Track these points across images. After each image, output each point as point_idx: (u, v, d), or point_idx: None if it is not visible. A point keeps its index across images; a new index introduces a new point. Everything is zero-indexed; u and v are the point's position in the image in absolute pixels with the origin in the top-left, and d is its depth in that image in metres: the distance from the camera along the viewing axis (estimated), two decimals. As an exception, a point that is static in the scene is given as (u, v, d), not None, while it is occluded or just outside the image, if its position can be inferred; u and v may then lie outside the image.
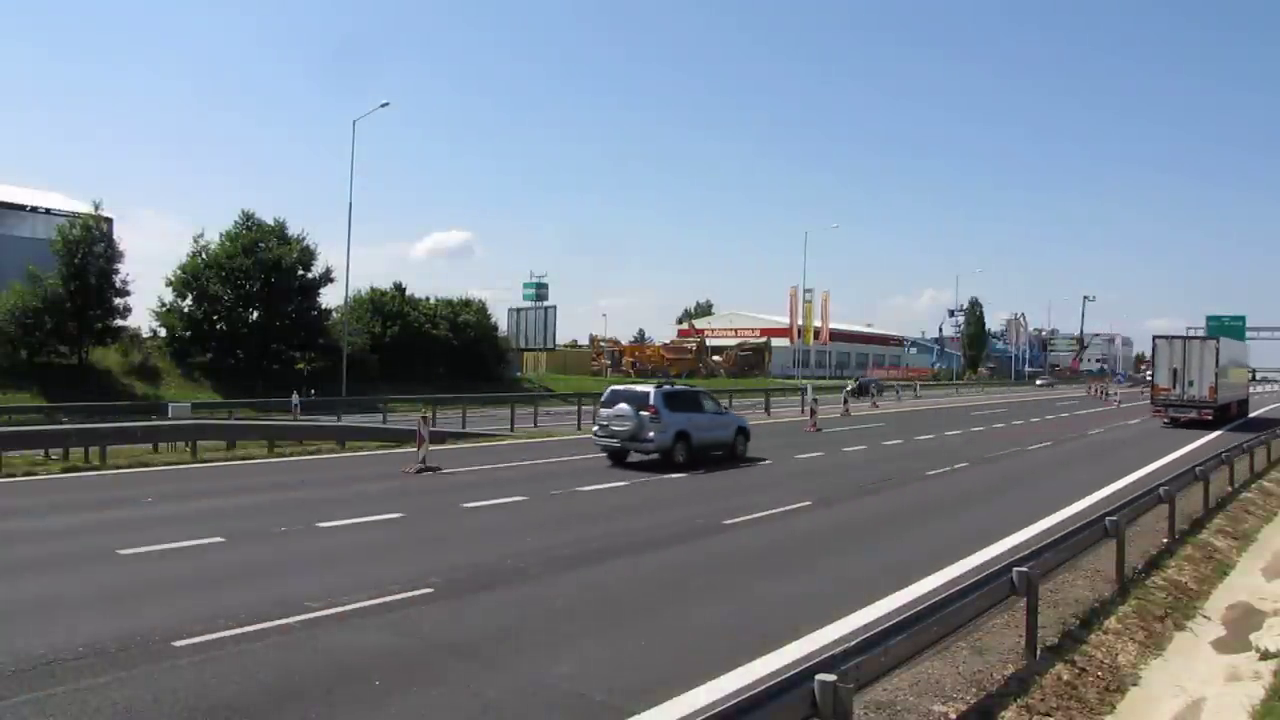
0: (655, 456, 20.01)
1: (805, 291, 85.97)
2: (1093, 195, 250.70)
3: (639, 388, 21.47)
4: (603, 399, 21.38)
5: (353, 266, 53.76)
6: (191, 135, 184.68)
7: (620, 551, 11.57)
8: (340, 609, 8.50)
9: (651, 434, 19.72)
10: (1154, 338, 39.04)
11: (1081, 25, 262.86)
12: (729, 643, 7.81)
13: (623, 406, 20.01)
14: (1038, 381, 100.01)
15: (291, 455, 21.98)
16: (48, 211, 44.77)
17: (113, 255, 39.86)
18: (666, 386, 22.09)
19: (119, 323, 40.89)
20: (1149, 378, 44.17)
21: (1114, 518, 10.22)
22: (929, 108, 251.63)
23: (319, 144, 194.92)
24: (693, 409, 21.19)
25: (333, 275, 46.80)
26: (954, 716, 6.53)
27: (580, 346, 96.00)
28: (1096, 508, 13.13)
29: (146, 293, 64.83)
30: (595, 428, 21.29)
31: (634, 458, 20.49)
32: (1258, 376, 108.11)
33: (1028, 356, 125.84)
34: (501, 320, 62.44)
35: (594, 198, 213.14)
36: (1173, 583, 11.04)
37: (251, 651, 7.31)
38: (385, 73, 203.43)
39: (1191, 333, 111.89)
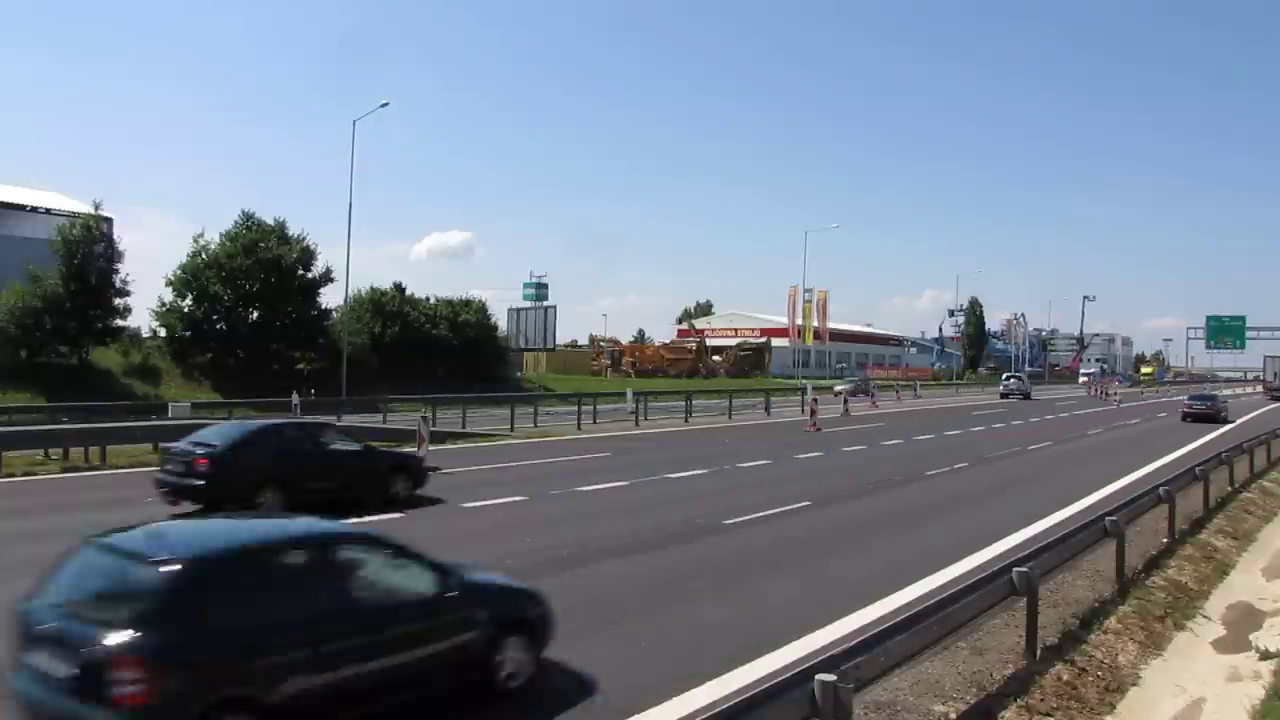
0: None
1: (805, 291, 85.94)
2: (1093, 195, 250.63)
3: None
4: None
5: (353, 266, 53.91)
6: (192, 135, 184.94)
7: (620, 551, 11.57)
8: (340, 609, 8.48)
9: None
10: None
11: (1081, 25, 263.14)
12: (729, 643, 7.82)
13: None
14: (1003, 388, 67.26)
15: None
16: (48, 211, 44.75)
17: (113, 255, 39.82)
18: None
19: (119, 323, 40.82)
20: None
21: (1114, 518, 10.22)
22: (929, 108, 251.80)
23: (319, 144, 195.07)
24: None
25: (333, 275, 46.78)
26: (954, 716, 6.53)
27: (580, 346, 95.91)
28: (1096, 508, 13.13)
29: (146, 293, 64.70)
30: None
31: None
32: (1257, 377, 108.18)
33: (1028, 356, 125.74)
34: (501, 320, 62.46)
35: (594, 198, 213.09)
36: (1173, 583, 11.04)
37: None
38: (385, 73, 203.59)
39: (1191, 333, 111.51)
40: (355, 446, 15.57)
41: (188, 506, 13.10)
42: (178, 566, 5.48)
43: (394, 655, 5.98)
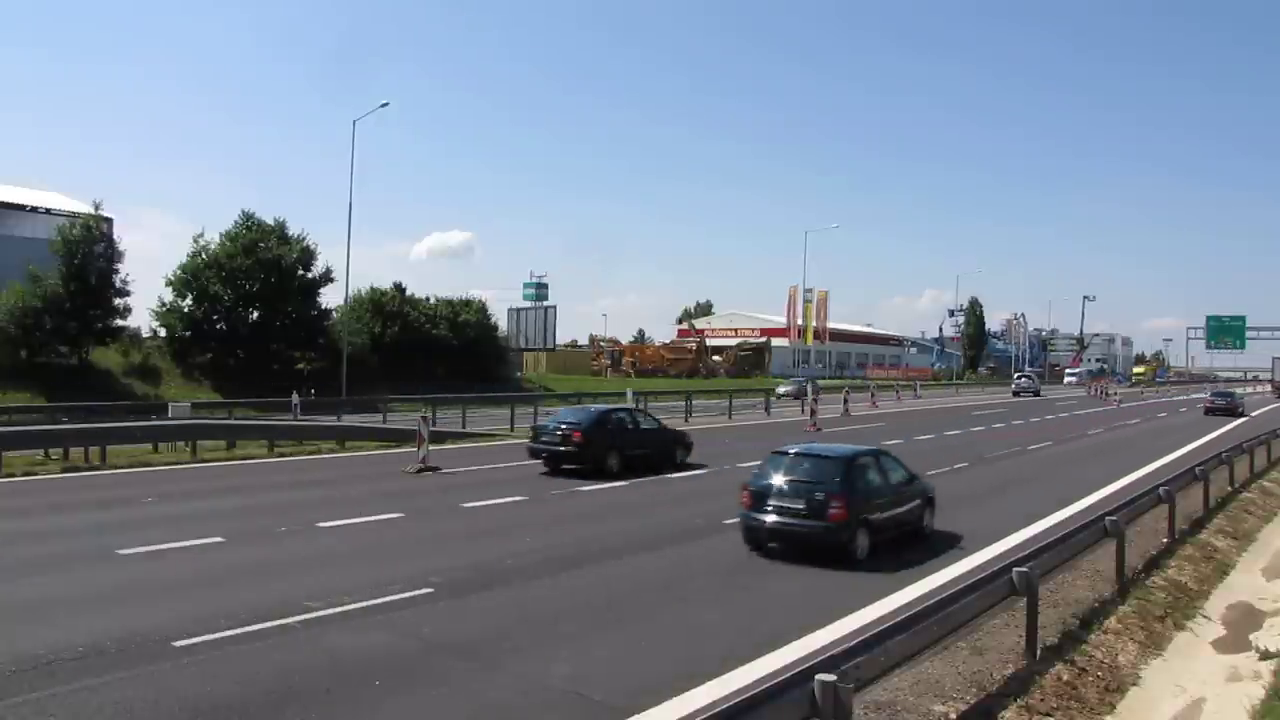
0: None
1: (805, 291, 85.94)
2: (1093, 195, 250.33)
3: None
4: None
5: (353, 266, 53.96)
6: (192, 135, 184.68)
7: (620, 551, 11.58)
8: (340, 609, 8.51)
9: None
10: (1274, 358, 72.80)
11: (1082, 25, 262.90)
12: (729, 643, 7.82)
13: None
14: (1015, 386, 71.58)
15: (291, 455, 21.99)
16: (48, 211, 44.73)
17: (113, 255, 39.80)
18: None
19: (119, 323, 40.79)
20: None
21: (1114, 518, 10.23)
22: (929, 108, 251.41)
23: (319, 144, 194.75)
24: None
25: (333, 275, 46.77)
26: (954, 716, 6.53)
27: (580, 346, 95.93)
28: (1096, 508, 13.12)
29: (146, 293, 64.77)
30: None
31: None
32: (1255, 377, 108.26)
33: (1028, 357, 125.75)
34: (501, 320, 62.46)
35: (594, 198, 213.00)
36: (1173, 583, 11.04)
37: (252, 651, 7.31)
38: (385, 73, 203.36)
39: (1191, 333, 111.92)
40: (655, 425, 21.57)
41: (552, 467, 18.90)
42: (845, 458, 12.10)
43: (901, 506, 12.37)
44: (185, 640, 7.45)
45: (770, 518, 11.30)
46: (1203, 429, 36.40)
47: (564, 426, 18.93)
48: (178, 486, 16.48)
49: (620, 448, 18.97)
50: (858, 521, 11.13)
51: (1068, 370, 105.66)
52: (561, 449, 18.67)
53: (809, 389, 49.35)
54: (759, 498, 11.52)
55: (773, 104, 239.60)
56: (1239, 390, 64.14)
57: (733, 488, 17.65)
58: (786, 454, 12.09)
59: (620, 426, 19.89)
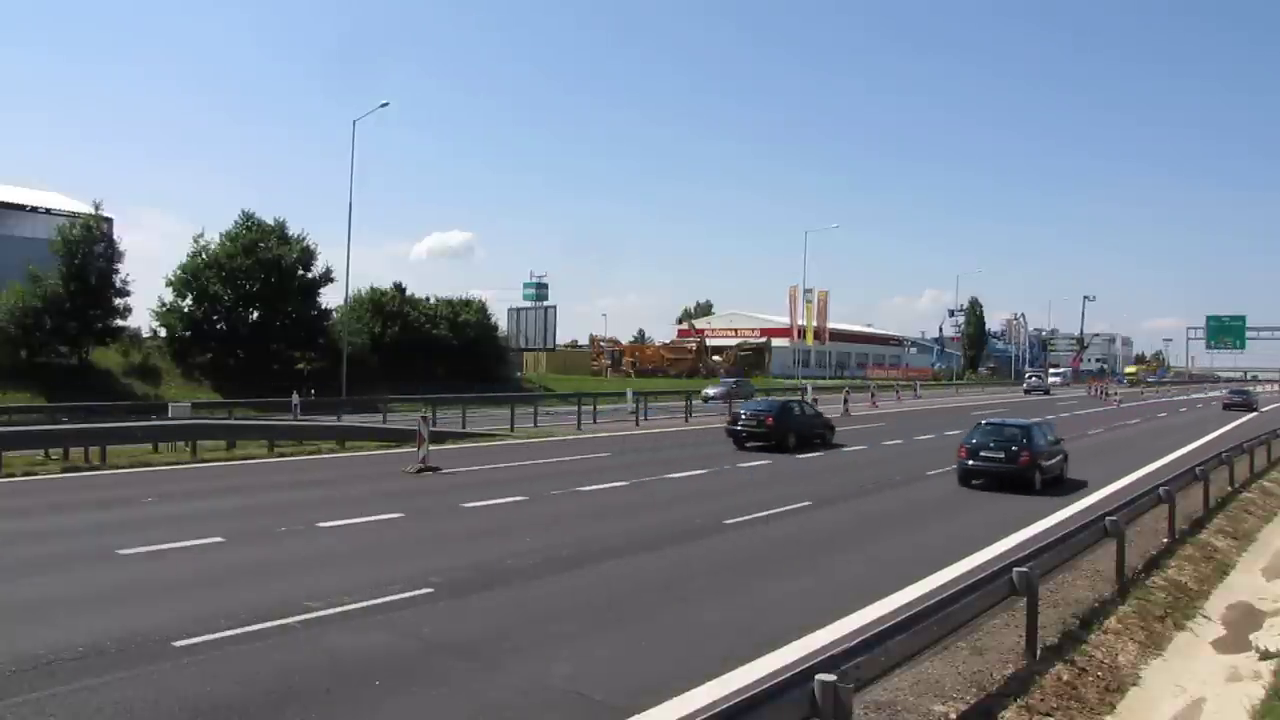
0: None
1: (805, 291, 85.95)
2: (1093, 195, 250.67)
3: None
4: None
5: (353, 266, 53.96)
6: (192, 135, 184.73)
7: (620, 551, 11.57)
8: (341, 609, 8.50)
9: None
10: None
11: (1082, 25, 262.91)
12: (729, 643, 7.81)
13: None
14: (1026, 385, 79.64)
15: (291, 455, 21.98)
16: (48, 211, 44.73)
17: (113, 255, 39.80)
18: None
19: (119, 323, 40.78)
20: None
21: (1114, 518, 10.23)
22: (929, 108, 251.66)
23: (319, 144, 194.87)
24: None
25: (333, 275, 46.77)
26: (954, 716, 6.53)
27: (580, 346, 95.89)
28: (1096, 508, 13.14)
29: (147, 293, 64.87)
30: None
31: None
32: (1254, 377, 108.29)
33: (1028, 357, 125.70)
34: (501, 320, 62.44)
35: (594, 198, 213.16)
36: (1173, 583, 11.04)
37: (251, 652, 7.31)
38: (385, 73, 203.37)
39: (1191, 333, 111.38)
40: (815, 413, 27.45)
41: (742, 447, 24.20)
42: (1027, 425, 18.90)
43: (1054, 458, 18.81)
44: (185, 640, 7.44)
45: (979, 464, 18.10)
46: (1203, 429, 36.40)
47: (759, 413, 25.35)
48: (178, 486, 16.48)
49: (795, 430, 25.15)
50: (1034, 465, 17.72)
51: (1052, 372, 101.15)
52: (758, 430, 24.57)
53: (809, 389, 49.34)
54: (971, 452, 18.34)
55: (773, 104, 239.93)
56: (1252, 389, 70.38)
57: (733, 488, 17.75)
58: (988, 424, 19.32)
59: (795, 413, 26.06)
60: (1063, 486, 18.17)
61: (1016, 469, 17.59)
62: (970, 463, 18.19)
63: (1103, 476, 19.53)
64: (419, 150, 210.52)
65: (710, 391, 50.30)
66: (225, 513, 13.75)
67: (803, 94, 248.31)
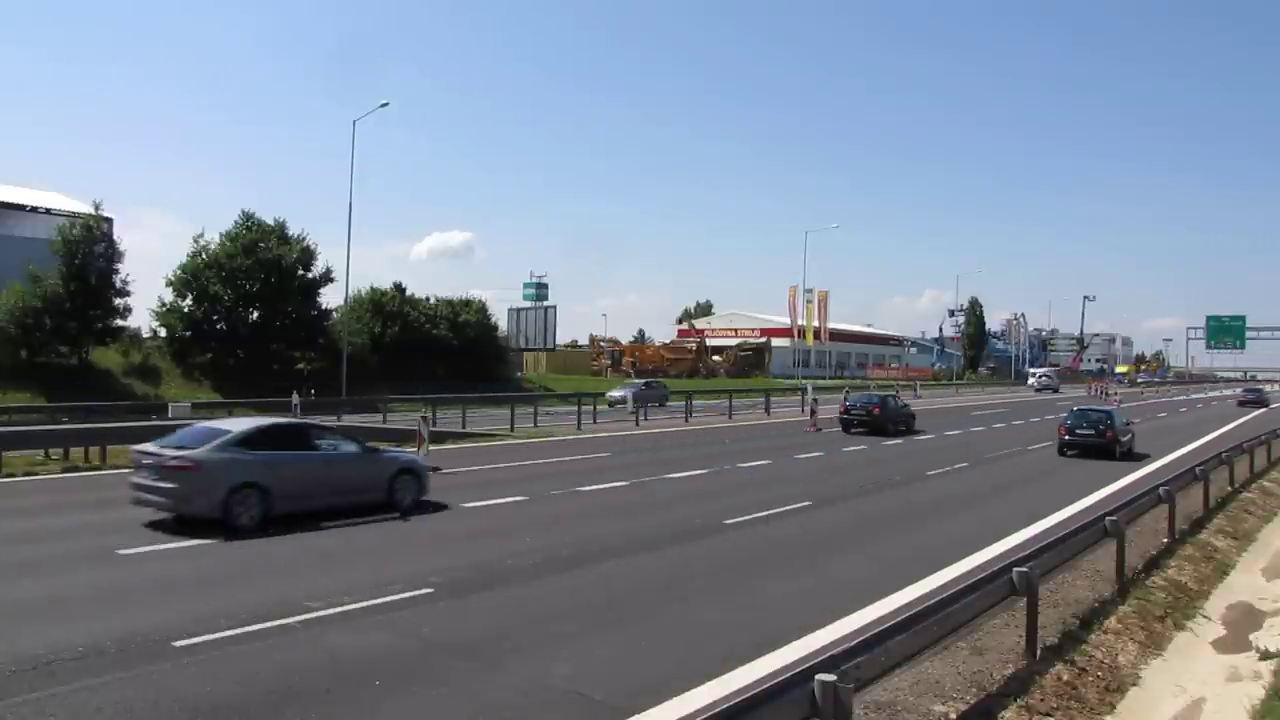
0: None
1: (805, 291, 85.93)
2: (1093, 195, 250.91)
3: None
4: None
5: (353, 266, 53.88)
6: (192, 135, 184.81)
7: (620, 551, 11.57)
8: (341, 609, 8.51)
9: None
10: None
11: (1082, 25, 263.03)
12: (729, 643, 7.81)
13: None
14: (1033, 380, 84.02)
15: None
16: (48, 211, 44.69)
17: (113, 255, 39.76)
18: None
19: (119, 323, 40.72)
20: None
21: (1114, 518, 10.22)
22: (929, 108, 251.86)
23: (319, 144, 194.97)
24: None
25: (333, 275, 46.71)
26: (954, 716, 6.53)
27: (580, 346, 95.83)
28: (1096, 508, 13.14)
29: (147, 293, 64.82)
30: None
31: None
32: (1253, 376, 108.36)
33: (1028, 357, 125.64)
34: (501, 320, 62.36)
35: (594, 198, 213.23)
36: (1173, 583, 11.04)
37: (251, 652, 7.31)
38: (385, 73, 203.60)
39: (1191, 333, 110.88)
40: (904, 404, 33.92)
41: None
42: (1109, 411, 26.55)
43: (1129, 434, 26.02)
44: (185, 640, 7.44)
45: (1075, 438, 24.51)
46: (1202, 429, 36.40)
47: (868, 404, 31.97)
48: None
49: (893, 420, 30.85)
50: (1115, 440, 24.09)
51: (1033, 371, 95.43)
52: (865, 418, 30.98)
53: (809, 389, 48.62)
54: (1069, 430, 24.79)
55: (773, 104, 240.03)
56: (1267, 387, 76.58)
57: (733, 488, 17.74)
58: (1079, 410, 26.13)
59: (892, 405, 31.99)
60: (1131, 456, 24.75)
61: (1104, 442, 24.22)
62: (1068, 438, 24.81)
63: (1104, 475, 19.55)
64: (419, 150, 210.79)
65: (615, 394, 42.89)
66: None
67: (803, 94, 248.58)
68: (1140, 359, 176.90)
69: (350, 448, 13.97)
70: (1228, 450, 19.20)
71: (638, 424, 33.38)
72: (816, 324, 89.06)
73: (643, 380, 51.84)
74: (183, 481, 11.92)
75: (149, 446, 12.82)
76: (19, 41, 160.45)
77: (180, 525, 12.15)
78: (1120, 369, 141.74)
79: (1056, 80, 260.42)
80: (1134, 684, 7.73)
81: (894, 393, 40.24)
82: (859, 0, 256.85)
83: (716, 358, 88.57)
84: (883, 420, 30.54)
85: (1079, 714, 6.85)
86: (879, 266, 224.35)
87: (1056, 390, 76.29)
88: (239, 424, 13.47)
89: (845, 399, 37.57)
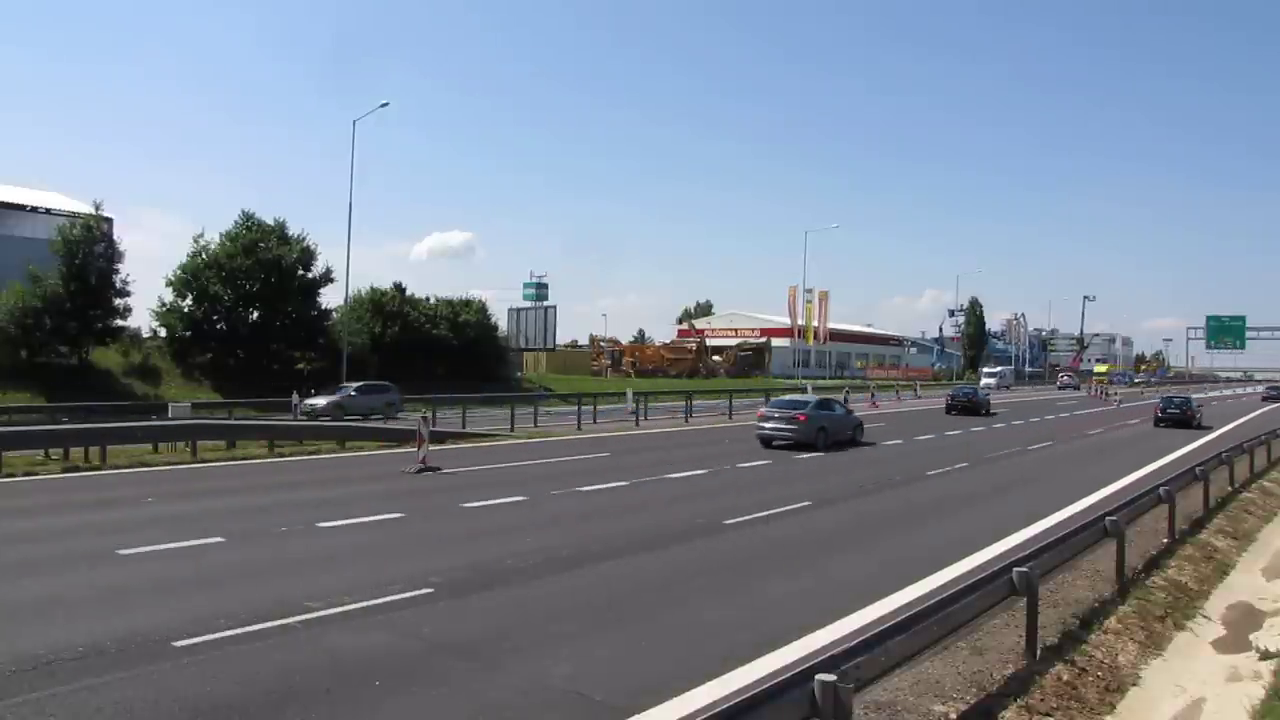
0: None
1: (805, 291, 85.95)
2: (1093, 195, 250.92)
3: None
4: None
5: (353, 266, 53.82)
6: (192, 135, 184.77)
7: (620, 551, 11.57)
8: (341, 609, 8.50)
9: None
10: None
11: (1082, 25, 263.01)
12: (729, 643, 7.81)
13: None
14: (1059, 383, 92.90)
15: (291, 455, 21.98)
16: (48, 211, 44.71)
17: (113, 255, 39.80)
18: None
19: (119, 323, 40.77)
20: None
21: (1114, 518, 10.22)
22: (929, 108, 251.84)
23: (319, 144, 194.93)
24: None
25: (333, 275, 46.75)
26: (954, 716, 6.53)
27: (580, 346, 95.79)
28: (1097, 508, 13.13)
29: (147, 293, 64.88)
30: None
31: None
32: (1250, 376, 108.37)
33: (1028, 356, 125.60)
34: (502, 320, 62.38)
35: (594, 198, 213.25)
36: (1173, 583, 11.04)
37: (251, 652, 7.31)
38: (385, 73, 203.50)
39: (1191, 333, 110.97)
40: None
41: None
42: (1186, 397, 43.62)
43: (1199, 412, 40.52)
44: (185, 640, 7.44)
45: (1165, 415, 38.60)
46: (1204, 429, 36.43)
47: (972, 391, 38.61)
48: (178, 486, 16.48)
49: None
50: (1195, 415, 38.62)
51: (985, 371, 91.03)
52: (969, 404, 41.49)
53: (809, 389, 47.96)
54: (1162, 409, 39.16)
55: (773, 104, 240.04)
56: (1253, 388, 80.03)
57: (733, 488, 17.75)
58: (1166, 397, 40.89)
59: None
60: (1201, 427, 37.20)
61: (1184, 417, 38.12)
62: (1161, 415, 38.58)
63: (1104, 475, 19.56)
64: (419, 150, 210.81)
65: (316, 402, 34.42)
66: (225, 513, 13.74)
67: (803, 94, 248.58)
68: (1140, 359, 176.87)
69: (839, 410, 27.79)
70: (1228, 450, 19.19)
71: (638, 424, 33.39)
72: (816, 324, 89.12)
73: (355, 386, 37.71)
74: (799, 425, 24.91)
75: (772, 410, 26.19)
76: (19, 41, 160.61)
77: (180, 525, 12.15)
78: (1099, 369, 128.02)
79: (1056, 80, 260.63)
80: (1134, 684, 7.73)
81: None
82: (859, 0, 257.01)
83: (716, 358, 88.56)
84: (980, 404, 38.24)
85: (1079, 714, 6.85)
86: (879, 266, 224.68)
87: (1078, 388, 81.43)
88: (810, 396, 30.05)
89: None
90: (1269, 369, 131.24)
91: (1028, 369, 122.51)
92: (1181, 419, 37.74)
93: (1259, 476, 20.81)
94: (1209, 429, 36.34)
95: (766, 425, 25.45)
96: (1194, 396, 45.04)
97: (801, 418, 25.14)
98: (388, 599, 8.88)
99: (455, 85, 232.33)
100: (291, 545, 11.70)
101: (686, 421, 35.80)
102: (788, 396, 31.50)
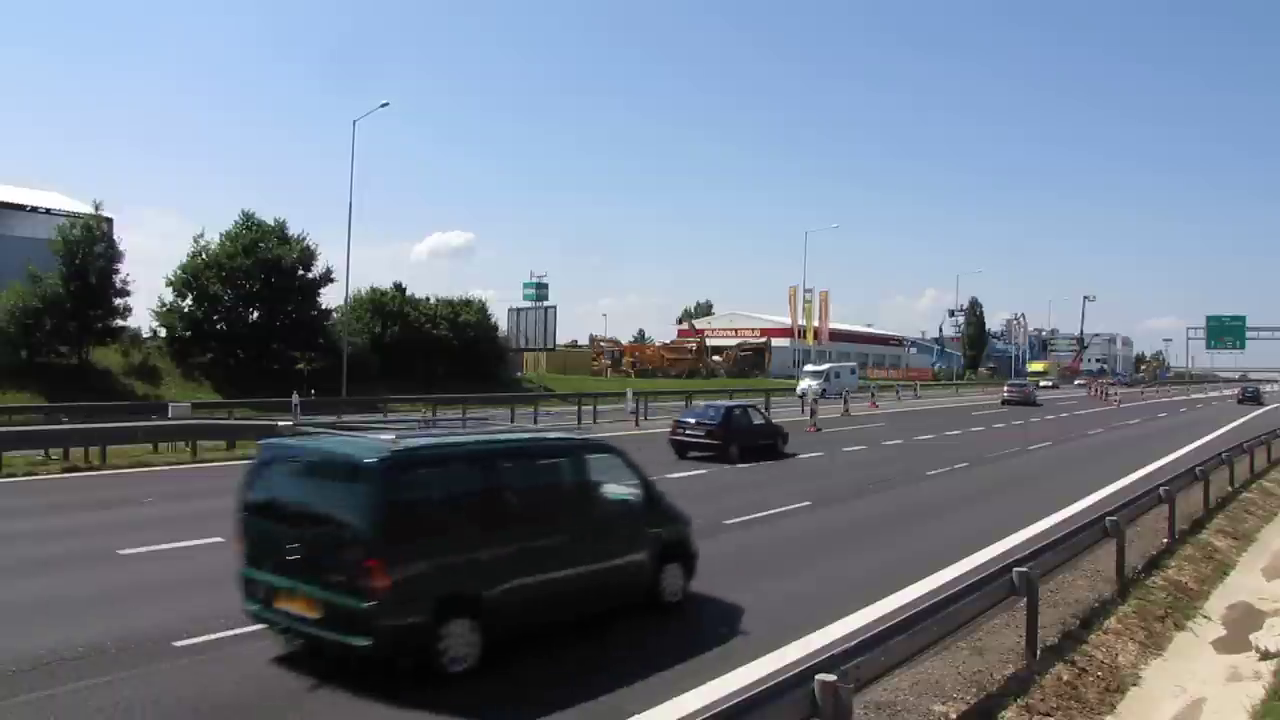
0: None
1: (805, 291, 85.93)
2: (1093, 195, 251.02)
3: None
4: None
5: (353, 266, 53.61)
6: (192, 135, 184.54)
7: (620, 551, 11.53)
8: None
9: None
10: None
11: (1082, 25, 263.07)
12: (729, 643, 7.81)
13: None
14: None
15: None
16: (48, 211, 44.65)
17: (113, 255, 39.72)
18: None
19: (119, 323, 40.71)
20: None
21: (1114, 518, 10.22)
22: (929, 108, 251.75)
23: (319, 144, 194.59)
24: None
25: (333, 275, 46.63)
26: (954, 716, 6.53)
27: (580, 346, 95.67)
28: (1097, 508, 13.13)
29: (147, 293, 64.51)
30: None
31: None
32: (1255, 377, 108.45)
33: (1028, 357, 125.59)
34: (501, 320, 62.28)
35: (594, 198, 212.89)
36: (1173, 583, 11.03)
37: (252, 651, 7.31)
38: (385, 73, 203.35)
39: (1191, 333, 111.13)
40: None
41: None
42: (1256, 382, 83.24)
43: (1263, 394, 71.00)
44: (185, 640, 7.45)
45: (1243, 395, 63.87)
46: (1203, 429, 36.41)
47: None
48: (178, 486, 16.48)
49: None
50: (1259, 396, 64.99)
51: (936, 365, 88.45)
52: (1025, 398, 50.68)
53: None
54: (1243, 391, 65.90)
55: (773, 104, 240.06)
56: (1260, 387, 78.58)
57: (733, 488, 17.74)
58: (1242, 383, 73.00)
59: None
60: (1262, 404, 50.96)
61: (1257, 397, 60.51)
62: (1243, 396, 59.51)
63: (1105, 474, 19.58)
64: (419, 150, 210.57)
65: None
66: (225, 513, 13.55)
67: (803, 94, 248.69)
68: (1140, 359, 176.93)
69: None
70: (1228, 450, 19.18)
71: (637, 424, 33.36)
72: (817, 324, 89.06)
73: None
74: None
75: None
76: (19, 41, 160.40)
77: (180, 525, 12.14)
78: (1034, 366, 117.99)
79: (1056, 80, 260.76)
80: (1134, 684, 7.73)
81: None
82: (859, 1, 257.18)
83: (716, 358, 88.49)
84: (1028, 398, 42.45)
85: (1079, 714, 6.85)
86: (879, 266, 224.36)
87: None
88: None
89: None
90: (1269, 369, 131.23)
91: (1026, 368, 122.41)
92: (1255, 398, 57.65)
93: (1259, 476, 20.79)
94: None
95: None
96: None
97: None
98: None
99: (455, 85, 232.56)
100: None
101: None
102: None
